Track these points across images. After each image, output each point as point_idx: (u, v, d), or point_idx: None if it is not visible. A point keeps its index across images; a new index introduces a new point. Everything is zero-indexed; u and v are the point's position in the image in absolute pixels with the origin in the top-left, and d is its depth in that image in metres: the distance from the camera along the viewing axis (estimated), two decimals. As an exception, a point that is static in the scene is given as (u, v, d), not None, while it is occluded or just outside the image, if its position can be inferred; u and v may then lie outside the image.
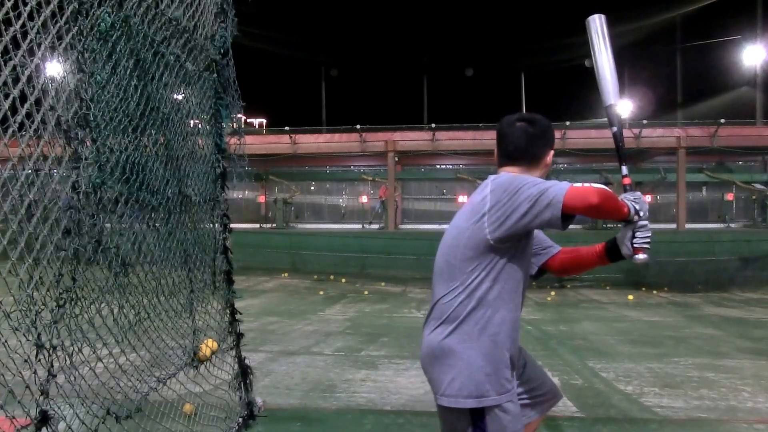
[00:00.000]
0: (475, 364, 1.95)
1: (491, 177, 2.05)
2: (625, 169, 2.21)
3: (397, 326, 8.37)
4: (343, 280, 13.85)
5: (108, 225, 2.41)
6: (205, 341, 3.43)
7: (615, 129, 2.26)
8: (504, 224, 1.91)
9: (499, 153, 2.18)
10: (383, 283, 13.05)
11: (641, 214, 2.03)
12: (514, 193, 1.89)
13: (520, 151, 2.13)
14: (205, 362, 3.42)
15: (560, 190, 1.85)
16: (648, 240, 2.04)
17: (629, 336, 7.77)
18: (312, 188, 31.61)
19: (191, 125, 3.41)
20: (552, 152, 2.20)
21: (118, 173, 2.48)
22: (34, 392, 1.94)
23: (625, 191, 2.10)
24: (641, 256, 2.05)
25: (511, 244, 1.98)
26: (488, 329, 1.97)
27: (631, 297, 12.02)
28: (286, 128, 24.84)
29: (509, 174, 2.03)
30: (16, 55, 1.83)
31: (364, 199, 29.40)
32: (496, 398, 1.95)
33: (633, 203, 2.02)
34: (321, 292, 12.17)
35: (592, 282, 13.73)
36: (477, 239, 1.97)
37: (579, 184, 1.89)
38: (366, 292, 12.20)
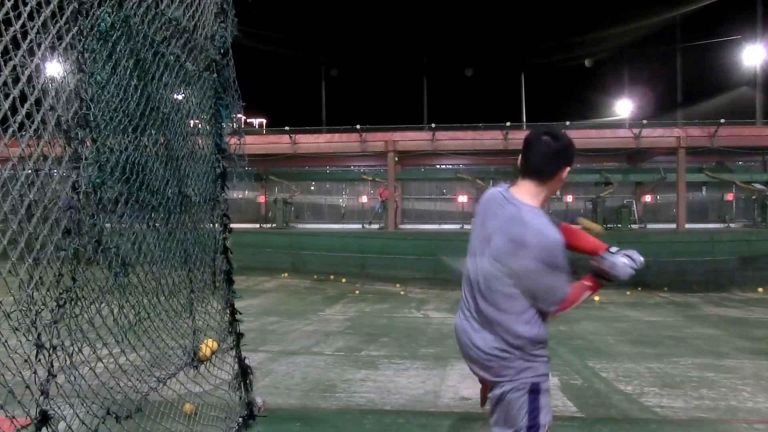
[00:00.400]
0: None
1: (527, 217, 2.19)
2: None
3: (397, 326, 8.37)
4: (344, 280, 13.85)
5: (108, 225, 2.41)
6: (205, 341, 3.43)
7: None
8: (519, 270, 2.16)
9: (524, 164, 2.31)
10: (378, 284, 13.02)
11: (612, 274, 2.33)
12: (546, 265, 2.14)
13: (541, 165, 2.27)
14: (205, 362, 3.41)
15: (562, 296, 2.22)
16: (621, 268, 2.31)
17: (629, 336, 7.77)
18: (312, 188, 31.61)
19: (191, 125, 3.40)
20: (568, 169, 2.30)
21: (118, 173, 2.48)
22: (34, 392, 1.94)
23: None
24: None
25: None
26: None
27: (628, 293, 12.03)
28: (286, 128, 24.84)
29: (551, 240, 2.16)
30: (16, 55, 1.83)
31: (364, 199, 29.40)
32: None
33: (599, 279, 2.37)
34: (335, 293, 12.17)
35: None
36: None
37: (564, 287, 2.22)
38: (357, 292, 12.20)
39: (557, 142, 2.27)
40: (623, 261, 2.28)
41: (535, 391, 2.20)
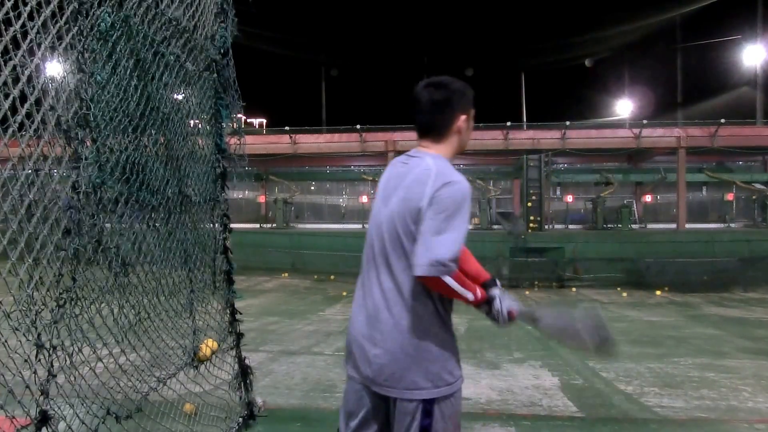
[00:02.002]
0: None
1: (431, 164, 1.93)
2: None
3: (397, 326, 8.36)
4: (345, 281, 13.86)
5: (108, 225, 2.41)
6: (206, 341, 3.43)
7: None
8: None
9: (415, 124, 2.06)
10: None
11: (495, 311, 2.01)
12: (446, 214, 1.83)
13: (430, 121, 2.01)
14: (205, 362, 3.41)
15: (452, 249, 1.81)
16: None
17: (630, 336, 7.77)
18: (312, 188, 31.63)
19: (191, 125, 3.40)
20: (464, 117, 2.04)
21: (118, 173, 2.48)
22: (34, 392, 1.94)
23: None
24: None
25: None
26: None
27: (624, 294, 12.02)
28: (286, 128, 24.87)
29: (452, 188, 1.87)
30: (16, 55, 1.83)
31: (364, 199, 29.41)
32: None
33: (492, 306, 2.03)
34: (344, 293, 12.15)
35: (593, 282, 13.75)
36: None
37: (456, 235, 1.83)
38: (345, 293, 12.17)
39: (441, 90, 2.01)
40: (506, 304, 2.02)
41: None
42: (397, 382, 1.88)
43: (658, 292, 12.59)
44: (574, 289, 13.27)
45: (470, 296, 1.91)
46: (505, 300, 2.03)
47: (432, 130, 2.02)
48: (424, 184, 1.89)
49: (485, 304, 2.02)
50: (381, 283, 1.96)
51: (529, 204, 22.03)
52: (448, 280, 1.82)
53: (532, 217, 21.71)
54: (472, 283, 1.95)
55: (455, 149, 2.06)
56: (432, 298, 1.91)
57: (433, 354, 1.89)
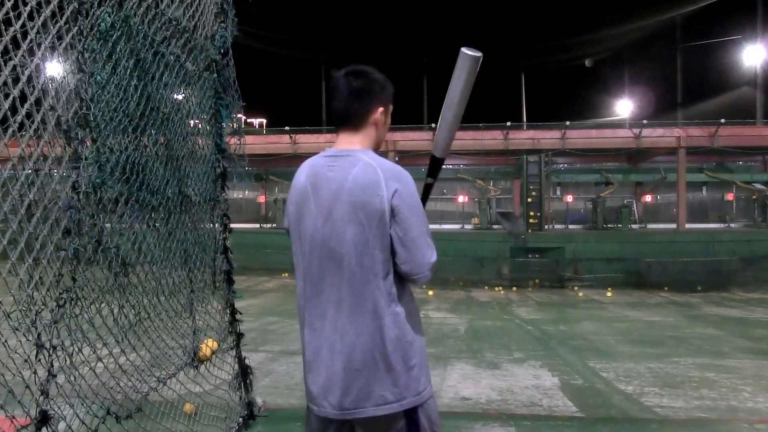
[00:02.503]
0: None
1: (369, 164, 1.82)
2: None
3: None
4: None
5: (108, 225, 2.41)
6: (206, 341, 3.43)
7: (430, 180, 2.15)
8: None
9: (332, 113, 1.96)
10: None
11: None
12: (417, 215, 1.81)
13: (346, 111, 1.91)
14: (205, 362, 3.41)
15: (429, 261, 1.81)
16: None
17: (629, 336, 7.77)
18: (312, 188, 31.58)
19: (191, 125, 3.40)
20: (381, 109, 1.94)
21: (118, 173, 2.48)
22: (34, 392, 1.94)
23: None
24: None
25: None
26: None
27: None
28: (287, 128, 24.86)
29: (409, 186, 1.82)
30: (16, 55, 1.83)
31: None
32: None
33: None
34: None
35: (593, 282, 13.74)
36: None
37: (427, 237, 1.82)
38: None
39: (359, 79, 1.91)
40: None
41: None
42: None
43: (651, 292, 12.61)
44: (577, 289, 13.26)
45: None
46: None
47: (348, 118, 1.91)
48: (375, 185, 1.78)
49: None
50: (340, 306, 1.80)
51: (529, 199, 22.00)
52: None
53: (531, 213, 21.67)
54: None
55: (372, 142, 1.94)
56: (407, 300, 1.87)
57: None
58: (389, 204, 1.77)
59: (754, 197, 25.78)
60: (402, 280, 1.84)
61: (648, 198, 28.96)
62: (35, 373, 1.93)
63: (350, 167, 1.81)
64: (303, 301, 1.89)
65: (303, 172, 1.92)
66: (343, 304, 1.79)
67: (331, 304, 1.81)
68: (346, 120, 1.91)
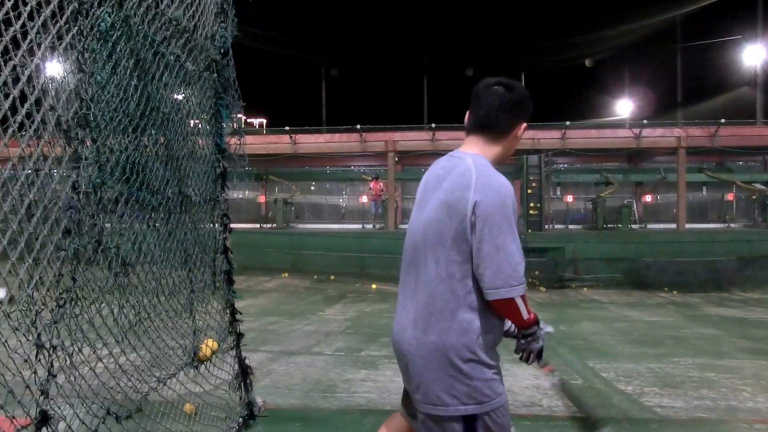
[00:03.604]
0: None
1: (470, 165, 1.90)
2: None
3: (397, 326, 8.35)
4: (352, 280, 13.85)
5: (108, 225, 2.41)
6: (206, 341, 3.43)
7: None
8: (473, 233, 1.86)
9: (471, 118, 2.03)
10: (374, 285, 12.98)
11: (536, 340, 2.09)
12: (499, 226, 1.84)
13: (491, 118, 1.99)
14: (205, 362, 3.41)
15: (519, 262, 1.85)
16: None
17: (629, 336, 7.77)
18: (312, 188, 31.59)
19: (191, 125, 3.40)
20: (525, 125, 2.04)
21: (118, 173, 2.48)
22: (34, 392, 1.94)
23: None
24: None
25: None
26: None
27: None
28: (286, 128, 24.82)
29: (497, 195, 1.86)
30: (16, 55, 1.83)
31: (365, 199, 29.40)
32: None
33: (540, 330, 2.08)
34: (335, 293, 12.13)
35: (593, 282, 13.75)
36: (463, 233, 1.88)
37: (522, 288, 1.85)
38: (357, 284, 12.17)
39: (512, 92, 1.99)
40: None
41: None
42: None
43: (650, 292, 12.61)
44: (575, 286, 13.26)
45: (526, 315, 1.91)
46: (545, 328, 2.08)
47: (492, 127, 2.00)
48: (466, 188, 1.85)
49: (534, 325, 2.03)
50: (416, 293, 1.94)
51: (530, 191, 21.97)
52: (519, 301, 1.84)
53: (532, 204, 21.61)
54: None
55: (503, 154, 2.04)
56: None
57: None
58: (472, 209, 1.85)
59: (754, 197, 25.76)
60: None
61: (648, 198, 28.94)
62: (35, 373, 1.93)
63: (455, 167, 1.95)
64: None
65: (428, 170, 2.11)
66: (416, 294, 2.02)
67: (407, 288, 2.07)
68: (490, 128, 2.00)
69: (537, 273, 13.69)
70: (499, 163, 2.03)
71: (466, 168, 1.89)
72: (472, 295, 1.86)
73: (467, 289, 1.86)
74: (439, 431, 1.87)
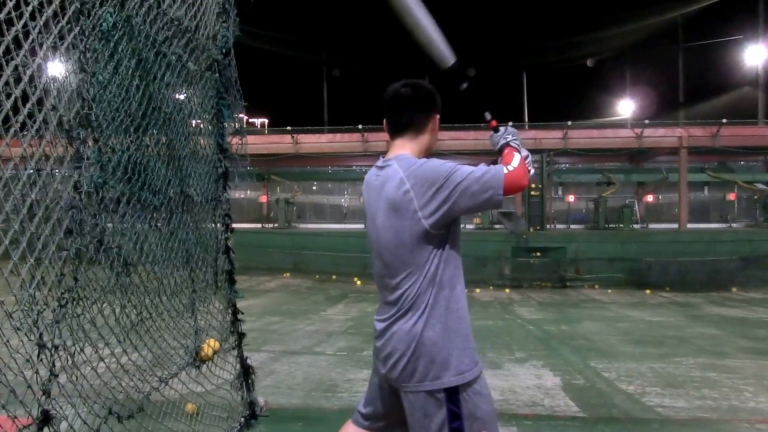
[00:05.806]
0: (451, 342, 1.95)
1: (396, 167, 2.00)
2: (488, 115, 2.35)
3: (398, 326, 8.35)
4: (358, 281, 13.85)
5: (110, 225, 2.41)
6: (207, 341, 3.43)
7: (465, 86, 2.33)
8: (440, 212, 1.93)
9: (389, 124, 2.13)
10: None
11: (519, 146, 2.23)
12: (444, 181, 1.91)
13: (407, 118, 2.10)
14: (207, 362, 3.42)
15: (498, 174, 1.97)
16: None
17: (631, 336, 7.77)
18: (314, 188, 31.63)
19: (193, 125, 3.40)
20: (438, 116, 2.17)
21: (120, 173, 2.48)
22: (36, 392, 1.95)
23: (496, 131, 2.30)
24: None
25: (450, 227, 2.01)
26: (451, 307, 1.98)
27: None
28: (288, 128, 24.85)
29: (423, 165, 1.98)
30: (18, 55, 1.83)
31: (366, 198, 29.39)
32: (474, 370, 1.96)
33: (517, 144, 2.23)
34: (337, 293, 12.13)
35: (595, 282, 13.74)
36: (418, 232, 1.96)
37: (484, 167, 2.00)
38: (359, 282, 12.18)
39: (418, 90, 2.12)
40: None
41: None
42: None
43: (648, 291, 12.58)
44: (579, 286, 13.26)
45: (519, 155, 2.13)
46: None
47: (410, 126, 2.09)
48: (401, 184, 1.96)
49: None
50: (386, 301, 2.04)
51: (533, 192, 21.97)
52: (512, 174, 1.99)
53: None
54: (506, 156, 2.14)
55: (427, 148, 2.14)
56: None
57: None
58: (413, 191, 1.95)
59: (755, 197, 25.74)
60: None
61: (650, 198, 28.94)
62: (37, 372, 1.93)
63: (387, 177, 2.03)
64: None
65: (364, 186, 2.21)
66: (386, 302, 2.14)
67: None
68: (408, 128, 2.10)
69: (539, 273, 13.69)
70: (427, 156, 2.12)
71: (394, 171, 2.00)
72: (438, 276, 1.97)
73: (437, 275, 1.97)
74: (426, 406, 1.95)
